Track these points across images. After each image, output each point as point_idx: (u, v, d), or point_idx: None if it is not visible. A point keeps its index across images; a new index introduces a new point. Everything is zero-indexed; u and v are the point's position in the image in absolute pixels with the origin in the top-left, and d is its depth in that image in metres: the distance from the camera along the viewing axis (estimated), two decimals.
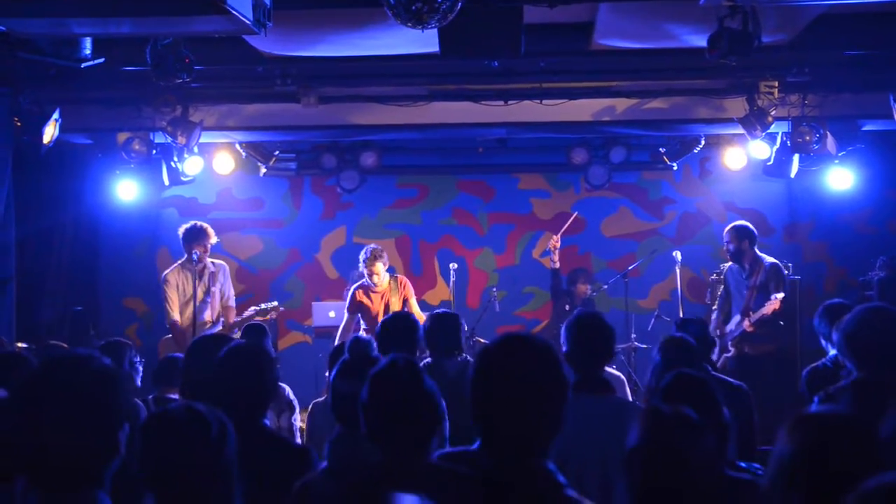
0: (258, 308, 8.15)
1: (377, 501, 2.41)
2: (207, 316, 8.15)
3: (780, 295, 7.77)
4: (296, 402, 5.45)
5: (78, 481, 2.31)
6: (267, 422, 3.61)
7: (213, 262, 8.26)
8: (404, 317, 5.37)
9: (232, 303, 8.36)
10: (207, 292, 8.16)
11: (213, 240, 8.15)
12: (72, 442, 2.30)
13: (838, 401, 3.82)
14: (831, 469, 1.88)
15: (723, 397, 2.98)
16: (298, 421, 5.50)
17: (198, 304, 8.02)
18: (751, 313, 7.93)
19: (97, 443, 2.34)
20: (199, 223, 8.18)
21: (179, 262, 8.28)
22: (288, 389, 5.46)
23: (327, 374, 4.45)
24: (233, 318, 8.16)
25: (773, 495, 1.95)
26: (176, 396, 5.11)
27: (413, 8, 4.96)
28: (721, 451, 2.87)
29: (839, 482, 1.74)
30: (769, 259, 8.27)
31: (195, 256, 7.99)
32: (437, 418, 2.73)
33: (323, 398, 4.83)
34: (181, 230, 8.15)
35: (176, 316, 8.06)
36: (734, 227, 8.37)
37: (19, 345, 6.97)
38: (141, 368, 5.77)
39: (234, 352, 3.63)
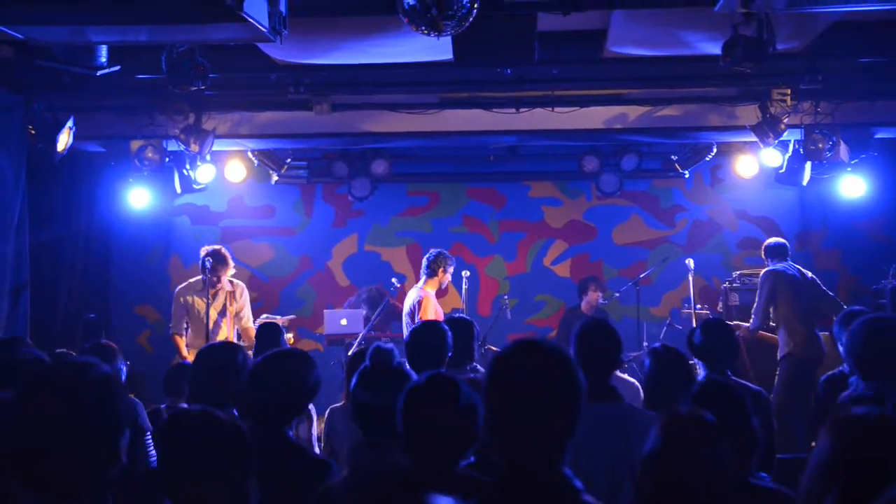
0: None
1: None
2: (223, 334, 8.23)
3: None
4: (314, 413, 5.40)
5: (79, 488, 2.30)
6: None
7: (230, 282, 8.34)
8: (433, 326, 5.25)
9: (251, 324, 8.42)
10: (223, 312, 8.24)
11: (231, 270, 8.27)
12: (72, 448, 2.28)
13: None
14: (868, 468, 1.88)
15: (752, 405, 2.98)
16: (316, 431, 5.44)
17: (210, 323, 8.11)
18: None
19: (98, 449, 2.33)
20: (221, 250, 8.28)
21: (192, 280, 8.44)
22: None
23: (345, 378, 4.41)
24: (252, 337, 8.22)
25: (811, 494, 1.94)
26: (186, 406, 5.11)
27: (429, 15, 4.97)
28: (745, 459, 2.86)
29: (876, 481, 1.73)
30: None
31: (204, 277, 8.14)
32: (470, 437, 2.75)
33: (340, 403, 4.81)
34: (203, 251, 8.24)
35: (174, 330, 8.31)
36: None
37: None
38: (125, 371, 5.80)
39: (275, 356, 3.63)
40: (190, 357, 8.08)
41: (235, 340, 8.24)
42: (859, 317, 4.91)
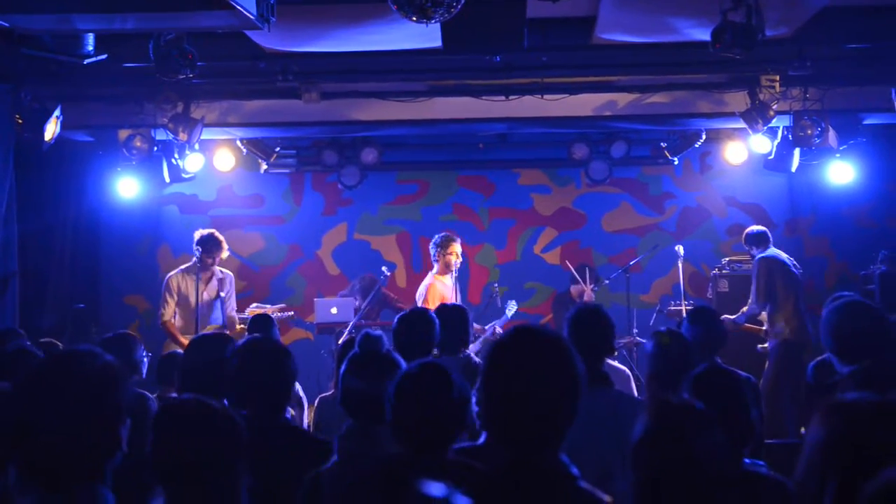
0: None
1: (397, 491, 2.41)
2: (217, 319, 8.26)
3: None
4: (305, 399, 5.43)
5: (78, 476, 2.30)
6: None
7: (221, 270, 8.38)
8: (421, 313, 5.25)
9: (234, 313, 8.50)
10: (217, 298, 8.26)
11: (225, 254, 8.29)
12: (72, 437, 2.28)
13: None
14: (865, 454, 1.86)
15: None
16: (307, 417, 5.47)
17: (204, 309, 8.13)
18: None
19: (98, 438, 2.33)
20: (214, 233, 8.28)
21: (184, 266, 8.41)
22: (297, 386, 5.41)
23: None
24: (236, 326, 8.25)
25: (807, 483, 1.93)
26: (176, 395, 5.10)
27: (417, 2, 4.95)
28: (739, 446, 2.86)
29: (874, 467, 1.72)
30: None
31: (199, 262, 8.12)
32: (461, 425, 2.76)
33: (330, 393, 4.82)
34: (196, 235, 8.24)
35: (167, 317, 8.29)
36: None
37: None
38: (147, 362, 5.77)
39: (253, 347, 3.64)
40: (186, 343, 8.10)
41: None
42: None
